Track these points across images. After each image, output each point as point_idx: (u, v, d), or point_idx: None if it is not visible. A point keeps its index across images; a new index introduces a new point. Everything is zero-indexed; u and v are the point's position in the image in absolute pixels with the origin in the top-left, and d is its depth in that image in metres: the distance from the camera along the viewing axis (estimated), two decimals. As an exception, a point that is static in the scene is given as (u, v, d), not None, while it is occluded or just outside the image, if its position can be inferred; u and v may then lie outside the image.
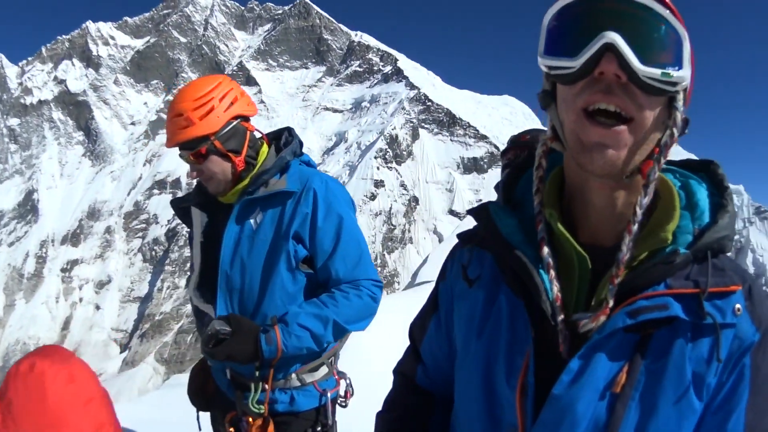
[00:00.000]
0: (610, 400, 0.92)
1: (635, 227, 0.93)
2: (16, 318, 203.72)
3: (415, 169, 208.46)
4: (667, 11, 0.89)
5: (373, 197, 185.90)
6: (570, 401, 0.93)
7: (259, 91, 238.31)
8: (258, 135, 2.39)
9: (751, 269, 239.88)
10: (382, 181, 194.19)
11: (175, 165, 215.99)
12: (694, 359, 0.92)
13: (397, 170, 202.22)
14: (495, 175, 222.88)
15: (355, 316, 2.30)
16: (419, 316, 1.34)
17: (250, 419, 2.32)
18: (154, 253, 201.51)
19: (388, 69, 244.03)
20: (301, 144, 2.45)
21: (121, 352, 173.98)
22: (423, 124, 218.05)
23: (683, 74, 0.89)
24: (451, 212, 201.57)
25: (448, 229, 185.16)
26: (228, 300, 2.34)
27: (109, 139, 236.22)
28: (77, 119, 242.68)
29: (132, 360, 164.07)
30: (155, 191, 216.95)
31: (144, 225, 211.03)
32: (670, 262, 0.92)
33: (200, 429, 2.58)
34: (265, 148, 2.40)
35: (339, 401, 2.52)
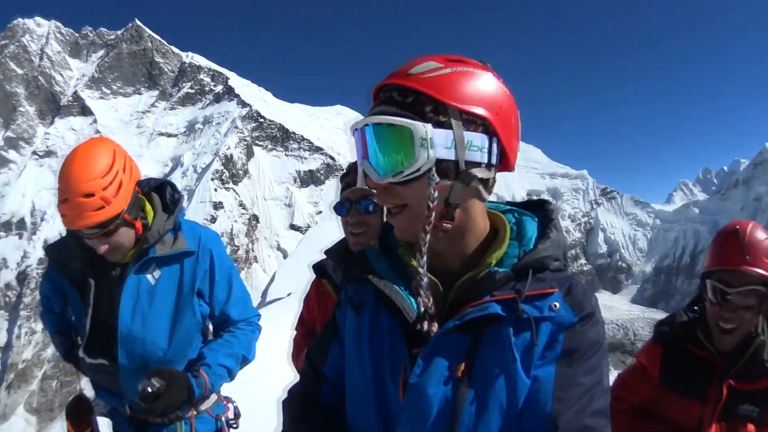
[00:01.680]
0: (454, 383, 1.17)
1: (422, 271, 1.19)
2: None
3: (252, 187, 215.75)
4: (407, 118, 1.15)
5: (213, 220, 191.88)
6: (422, 387, 1.18)
7: (95, 121, 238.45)
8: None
9: (604, 248, 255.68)
10: (221, 203, 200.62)
11: (18, 205, 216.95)
12: (519, 346, 1.17)
13: (234, 190, 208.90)
14: (332, 185, 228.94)
15: (250, 348, 2.68)
16: (319, 342, 1.55)
17: None
18: (7, 299, 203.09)
19: (219, 88, 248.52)
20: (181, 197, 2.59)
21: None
22: (257, 141, 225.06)
23: (417, 164, 1.15)
24: (293, 227, 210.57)
25: (291, 245, 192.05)
26: (128, 350, 2.42)
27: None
28: None
29: (2, 414, 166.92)
30: (1, 234, 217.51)
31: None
32: (490, 279, 1.21)
33: None
34: (147, 205, 2.45)
35: (230, 423, 2.72)
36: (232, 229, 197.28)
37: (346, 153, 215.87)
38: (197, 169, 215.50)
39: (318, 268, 2.76)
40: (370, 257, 1.39)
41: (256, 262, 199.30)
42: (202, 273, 2.50)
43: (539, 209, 1.38)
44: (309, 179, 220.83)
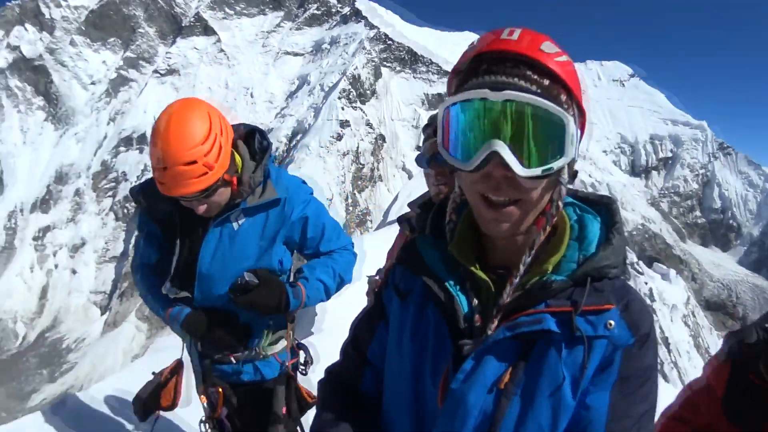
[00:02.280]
0: (496, 394, 1.12)
1: (521, 271, 1.14)
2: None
3: (379, 107, 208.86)
4: (556, 105, 1.01)
5: (339, 137, 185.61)
6: (463, 394, 1.13)
7: (218, 41, 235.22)
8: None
9: (718, 203, 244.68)
10: (347, 121, 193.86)
11: (139, 121, 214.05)
12: (570, 364, 1.10)
13: (362, 109, 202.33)
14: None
15: (347, 269, 2.63)
16: (365, 322, 1.46)
17: (220, 389, 2.54)
18: (126, 210, 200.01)
19: (346, 10, 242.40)
20: (270, 143, 2.49)
21: (102, 315, 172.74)
22: (385, 63, 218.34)
23: (564, 161, 1.03)
24: (419, 149, 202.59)
25: (416, 166, 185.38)
26: (204, 289, 2.45)
27: (70, 101, 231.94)
28: (35, 84, 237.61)
29: (113, 321, 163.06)
30: (122, 149, 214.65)
31: (113, 184, 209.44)
32: (545, 287, 1.12)
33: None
34: (236, 156, 2.37)
35: (300, 370, 2.74)
36: (357, 147, 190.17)
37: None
38: (324, 88, 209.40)
39: (404, 220, 2.71)
40: (421, 247, 1.30)
41: (381, 181, 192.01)
42: (289, 221, 2.48)
43: (601, 205, 1.25)
44: (437, 102, 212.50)
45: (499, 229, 1.09)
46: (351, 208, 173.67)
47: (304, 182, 2.61)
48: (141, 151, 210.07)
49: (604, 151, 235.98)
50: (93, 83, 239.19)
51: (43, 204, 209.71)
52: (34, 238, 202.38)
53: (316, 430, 1.39)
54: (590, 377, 1.11)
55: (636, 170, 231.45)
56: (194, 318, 2.47)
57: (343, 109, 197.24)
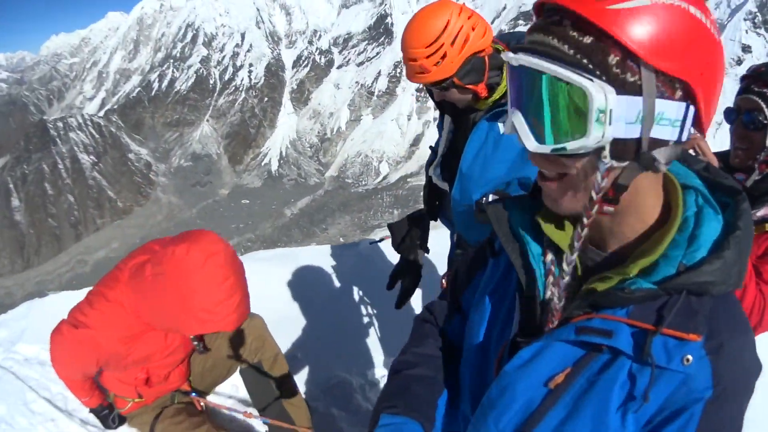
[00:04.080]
0: (545, 392, 1.02)
1: (572, 262, 1.01)
2: (360, 132, 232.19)
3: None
4: (583, 73, 0.81)
5: (739, 62, 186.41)
6: (513, 380, 1.05)
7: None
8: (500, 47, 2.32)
9: None
10: (749, 47, 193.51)
11: None
12: (630, 388, 0.94)
13: (765, 37, 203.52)
14: None
15: None
16: (466, 267, 1.39)
17: None
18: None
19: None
20: None
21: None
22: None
23: (586, 142, 0.83)
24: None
25: None
26: (462, 186, 2.53)
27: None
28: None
29: None
30: (520, 22, 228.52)
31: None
32: (624, 292, 0.93)
33: None
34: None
35: None
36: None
37: None
38: (731, 5, 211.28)
39: None
40: (510, 211, 1.15)
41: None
42: None
43: (729, 197, 0.99)
44: None
45: (550, 203, 0.98)
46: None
47: None
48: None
49: None
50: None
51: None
52: (418, 90, 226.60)
53: (395, 369, 1.38)
54: (653, 414, 0.94)
55: None
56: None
57: (746, 32, 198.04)
